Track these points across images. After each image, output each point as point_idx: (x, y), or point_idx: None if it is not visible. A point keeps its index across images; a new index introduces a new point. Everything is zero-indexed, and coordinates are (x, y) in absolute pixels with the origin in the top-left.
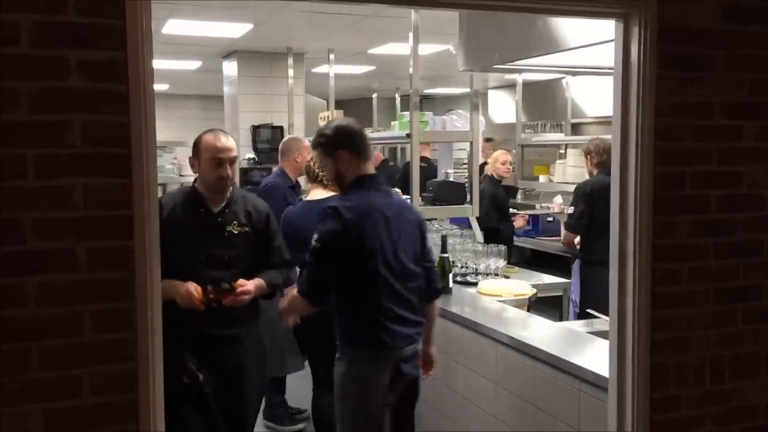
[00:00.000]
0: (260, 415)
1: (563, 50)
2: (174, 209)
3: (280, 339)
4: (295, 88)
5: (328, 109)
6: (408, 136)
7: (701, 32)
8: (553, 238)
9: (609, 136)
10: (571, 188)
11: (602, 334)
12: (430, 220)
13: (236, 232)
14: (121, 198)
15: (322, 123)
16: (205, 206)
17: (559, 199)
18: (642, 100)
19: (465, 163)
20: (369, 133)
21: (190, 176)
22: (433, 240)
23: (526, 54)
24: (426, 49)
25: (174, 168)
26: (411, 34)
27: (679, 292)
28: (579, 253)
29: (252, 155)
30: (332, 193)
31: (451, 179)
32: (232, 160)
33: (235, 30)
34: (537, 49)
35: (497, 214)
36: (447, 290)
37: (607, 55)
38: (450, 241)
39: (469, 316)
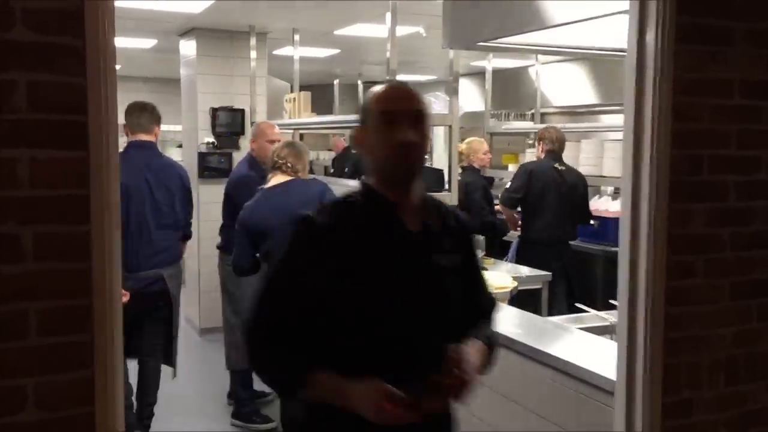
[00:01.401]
0: (228, 414)
1: (562, 24)
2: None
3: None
4: (257, 70)
5: (292, 92)
6: None
7: (723, 2)
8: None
9: (560, 125)
10: None
11: (595, 330)
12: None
13: (445, 264)
14: (75, 174)
15: (288, 106)
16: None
17: None
18: (659, 76)
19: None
20: (331, 117)
21: None
22: None
23: (519, 29)
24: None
25: None
26: (389, 14)
27: (695, 287)
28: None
29: (211, 139)
30: (290, 177)
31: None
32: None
33: (194, 5)
34: (532, 23)
35: (490, 207)
36: None
37: (607, 35)
38: None
39: None
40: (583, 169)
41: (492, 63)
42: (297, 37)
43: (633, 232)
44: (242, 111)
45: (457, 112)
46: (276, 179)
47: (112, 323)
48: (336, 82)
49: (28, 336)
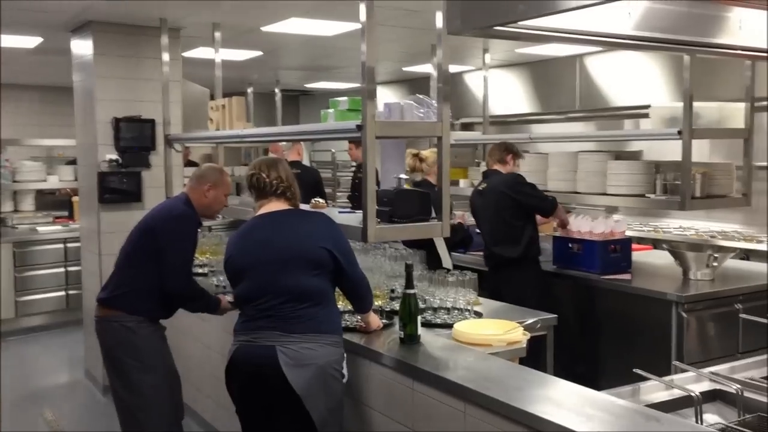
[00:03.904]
0: None
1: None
2: None
3: None
4: (171, 73)
5: (214, 99)
6: (359, 128)
7: None
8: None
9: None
10: None
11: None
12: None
13: None
14: None
15: (213, 114)
16: None
17: None
18: None
19: (354, 165)
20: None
21: (26, 181)
22: (387, 269)
23: (558, 6)
24: (329, 28)
25: (5, 172)
26: (363, 4)
27: None
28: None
29: (113, 156)
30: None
31: (405, 187)
32: None
33: None
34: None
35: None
36: (415, 340)
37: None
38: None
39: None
40: (552, 185)
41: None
42: (218, 35)
43: None
44: (152, 122)
45: (448, 121)
46: (269, 207)
47: None
48: (250, 90)
49: None
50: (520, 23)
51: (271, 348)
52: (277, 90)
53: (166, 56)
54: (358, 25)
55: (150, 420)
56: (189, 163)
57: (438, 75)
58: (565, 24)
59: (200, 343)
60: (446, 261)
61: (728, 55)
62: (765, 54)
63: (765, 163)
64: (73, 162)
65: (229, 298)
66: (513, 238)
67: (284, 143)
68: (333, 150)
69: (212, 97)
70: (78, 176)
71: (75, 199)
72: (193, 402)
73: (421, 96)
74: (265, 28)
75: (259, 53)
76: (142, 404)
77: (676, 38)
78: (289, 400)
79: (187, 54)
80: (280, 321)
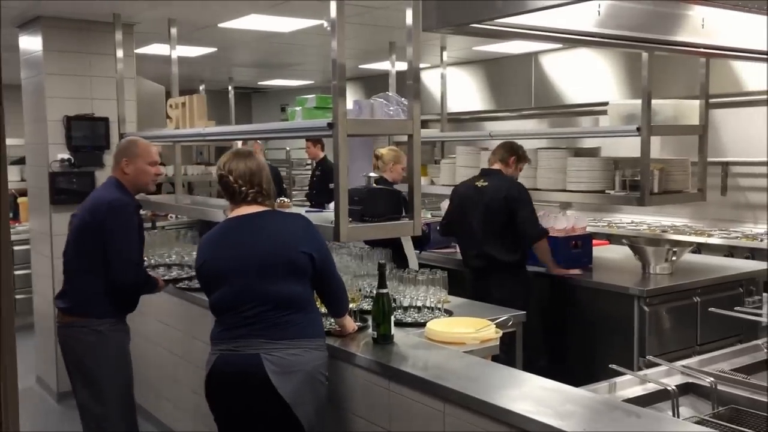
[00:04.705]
0: None
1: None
2: None
3: None
4: (125, 69)
5: (171, 97)
6: (330, 126)
7: None
8: (446, 250)
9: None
10: None
11: (640, 401)
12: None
13: None
14: None
15: (172, 112)
16: None
17: (447, 204)
18: None
19: (309, 163)
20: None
21: None
22: (354, 269)
23: (534, 5)
24: (286, 24)
25: None
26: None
27: None
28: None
29: (65, 155)
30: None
31: (375, 185)
32: None
33: None
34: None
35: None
36: (388, 340)
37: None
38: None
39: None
40: None
41: (396, 66)
42: (174, 31)
43: None
44: (106, 120)
45: (419, 118)
46: (243, 209)
47: None
48: (202, 87)
49: None
50: (495, 21)
51: (255, 356)
52: (230, 87)
53: (119, 53)
54: (315, 22)
55: (115, 427)
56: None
57: (409, 72)
58: (535, 22)
59: (161, 347)
60: (413, 261)
61: (691, 53)
62: (728, 52)
63: (718, 159)
64: (19, 162)
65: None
66: (509, 242)
67: (241, 142)
68: (288, 148)
69: (168, 95)
70: (27, 177)
71: (21, 200)
72: (151, 404)
73: (389, 93)
74: (222, 25)
75: (213, 50)
76: (110, 413)
77: (640, 36)
78: (277, 408)
79: (141, 50)
80: (263, 329)
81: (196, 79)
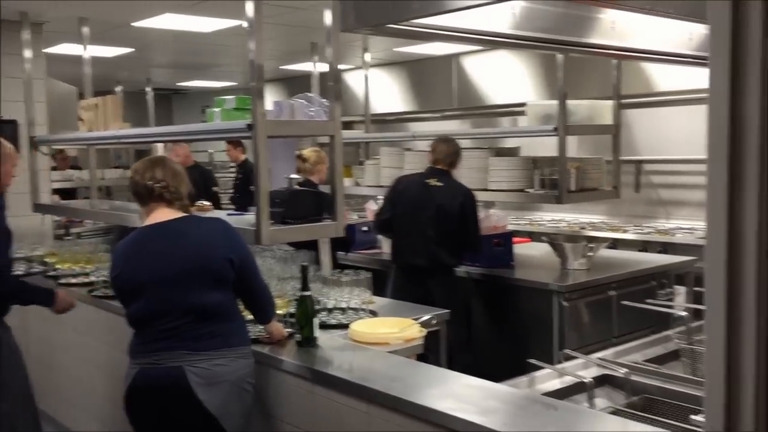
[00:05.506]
0: None
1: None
2: None
3: None
4: (34, 70)
5: (82, 98)
6: (250, 127)
7: None
8: (372, 250)
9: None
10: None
11: (559, 394)
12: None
13: None
14: None
15: (85, 114)
16: None
17: (372, 205)
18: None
19: (234, 165)
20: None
21: None
22: (277, 272)
23: (450, 5)
24: (205, 24)
25: None
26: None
27: None
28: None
29: None
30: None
31: (297, 187)
32: None
33: None
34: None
35: None
36: (312, 342)
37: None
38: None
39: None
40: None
41: (319, 67)
42: (86, 30)
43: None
44: (14, 122)
45: (340, 119)
46: (157, 215)
47: None
48: (119, 88)
49: None
50: (412, 21)
51: (177, 369)
52: (148, 89)
53: (28, 53)
54: (236, 22)
55: (21, 421)
56: (71, 167)
57: (330, 73)
58: (453, 23)
59: (77, 357)
60: (326, 266)
61: (601, 55)
62: (638, 54)
63: (631, 158)
64: None
65: (63, 292)
66: (455, 245)
67: (163, 145)
68: (210, 150)
69: (81, 96)
70: None
71: None
72: (60, 413)
73: (310, 94)
74: (136, 24)
75: (129, 50)
76: (14, 409)
77: (554, 38)
78: (202, 421)
79: (51, 50)
80: (185, 340)
81: (113, 80)
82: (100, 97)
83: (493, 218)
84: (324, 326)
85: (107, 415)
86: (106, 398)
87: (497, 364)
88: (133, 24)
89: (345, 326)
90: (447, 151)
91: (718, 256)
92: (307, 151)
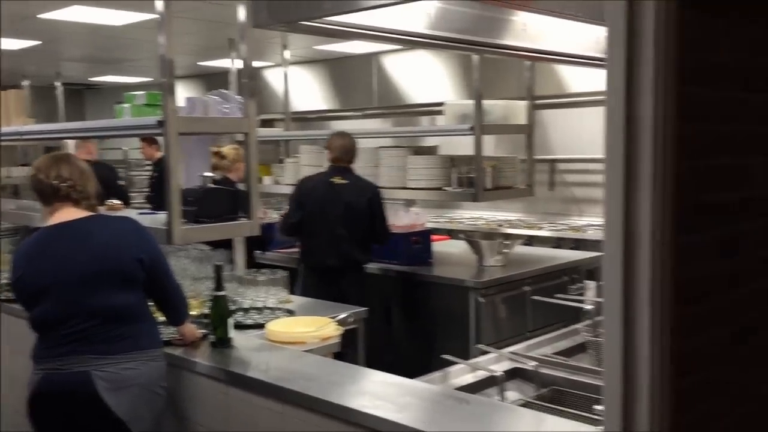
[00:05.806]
0: None
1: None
2: None
3: None
4: None
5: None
6: (160, 124)
7: None
8: (290, 249)
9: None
10: None
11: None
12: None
13: None
14: None
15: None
16: None
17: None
18: (660, 57)
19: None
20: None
21: None
22: (192, 272)
23: (361, 5)
24: (117, 17)
25: None
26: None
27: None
28: None
29: None
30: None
31: (211, 185)
32: None
33: None
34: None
35: None
36: (227, 343)
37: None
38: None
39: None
40: None
41: (236, 63)
42: None
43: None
44: None
45: (255, 117)
46: (62, 215)
47: None
48: (26, 83)
49: None
50: (326, 19)
51: (84, 373)
52: (58, 83)
53: None
54: (150, 16)
55: None
56: None
57: (243, 70)
58: (367, 21)
59: None
60: (239, 265)
61: (514, 56)
62: (548, 56)
63: (545, 157)
64: None
65: None
66: (366, 242)
67: (72, 141)
68: (124, 148)
69: None
70: None
71: None
72: None
73: (225, 91)
74: (42, 15)
75: (36, 42)
76: None
77: (468, 38)
78: (110, 427)
79: None
80: (92, 344)
81: (19, 73)
82: (2, 92)
83: (412, 216)
84: (240, 326)
85: (9, 423)
86: (8, 406)
87: (416, 360)
88: (39, 16)
89: (261, 326)
90: (345, 147)
91: (615, 250)
92: (227, 149)
